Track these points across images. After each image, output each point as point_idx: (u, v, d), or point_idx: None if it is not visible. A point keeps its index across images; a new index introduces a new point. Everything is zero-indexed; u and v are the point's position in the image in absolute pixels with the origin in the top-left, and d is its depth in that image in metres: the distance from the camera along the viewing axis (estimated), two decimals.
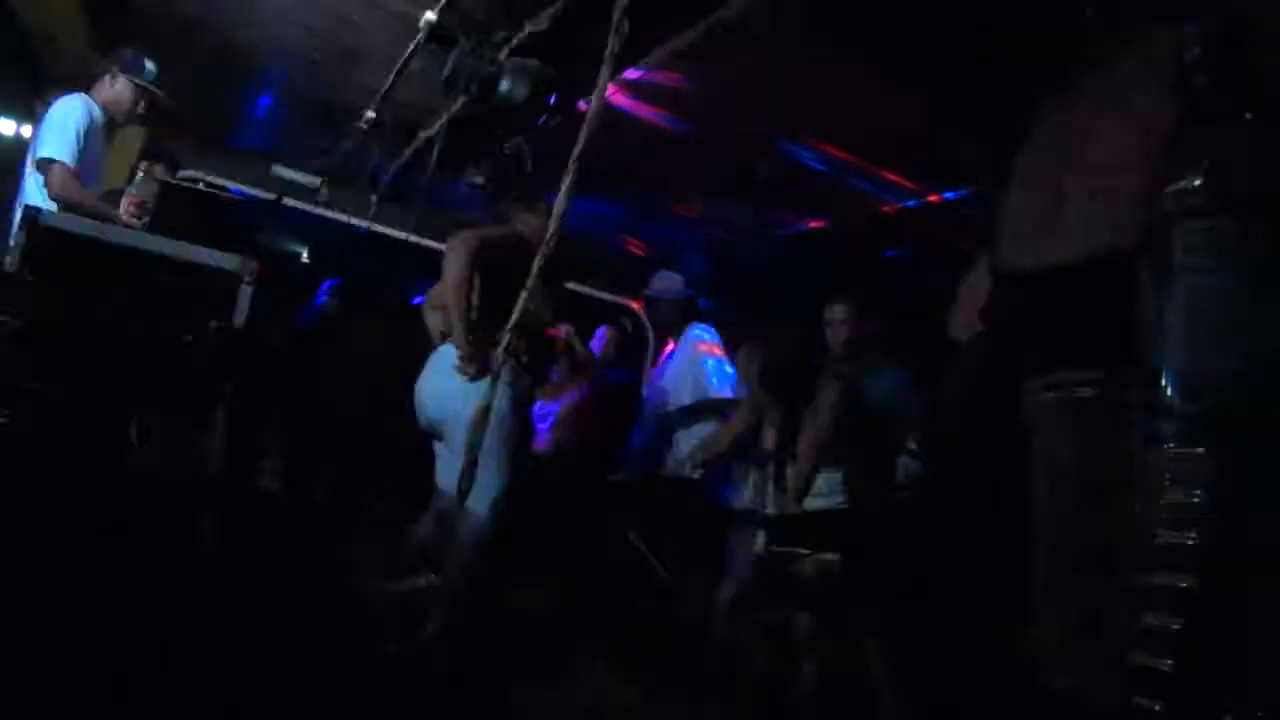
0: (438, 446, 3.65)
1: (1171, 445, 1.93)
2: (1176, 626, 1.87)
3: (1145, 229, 2.03)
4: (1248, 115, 1.95)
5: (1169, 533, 1.93)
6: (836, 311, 4.01)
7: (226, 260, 2.99)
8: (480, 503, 3.31)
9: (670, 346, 5.15)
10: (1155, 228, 1.99)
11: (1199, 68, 2.00)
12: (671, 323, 5.13)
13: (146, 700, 2.21)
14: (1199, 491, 1.88)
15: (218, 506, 3.02)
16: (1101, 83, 2.38)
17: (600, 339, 5.78)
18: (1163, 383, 1.94)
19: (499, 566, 3.59)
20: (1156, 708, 1.88)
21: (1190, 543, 1.89)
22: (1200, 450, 1.89)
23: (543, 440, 5.07)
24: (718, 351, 4.91)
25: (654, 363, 5.73)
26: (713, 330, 4.98)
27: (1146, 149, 2.09)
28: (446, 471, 3.57)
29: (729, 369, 4.80)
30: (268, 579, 3.27)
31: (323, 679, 2.78)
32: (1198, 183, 1.93)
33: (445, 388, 3.46)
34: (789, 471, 3.65)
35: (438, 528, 3.56)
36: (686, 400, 4.81)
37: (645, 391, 5.52)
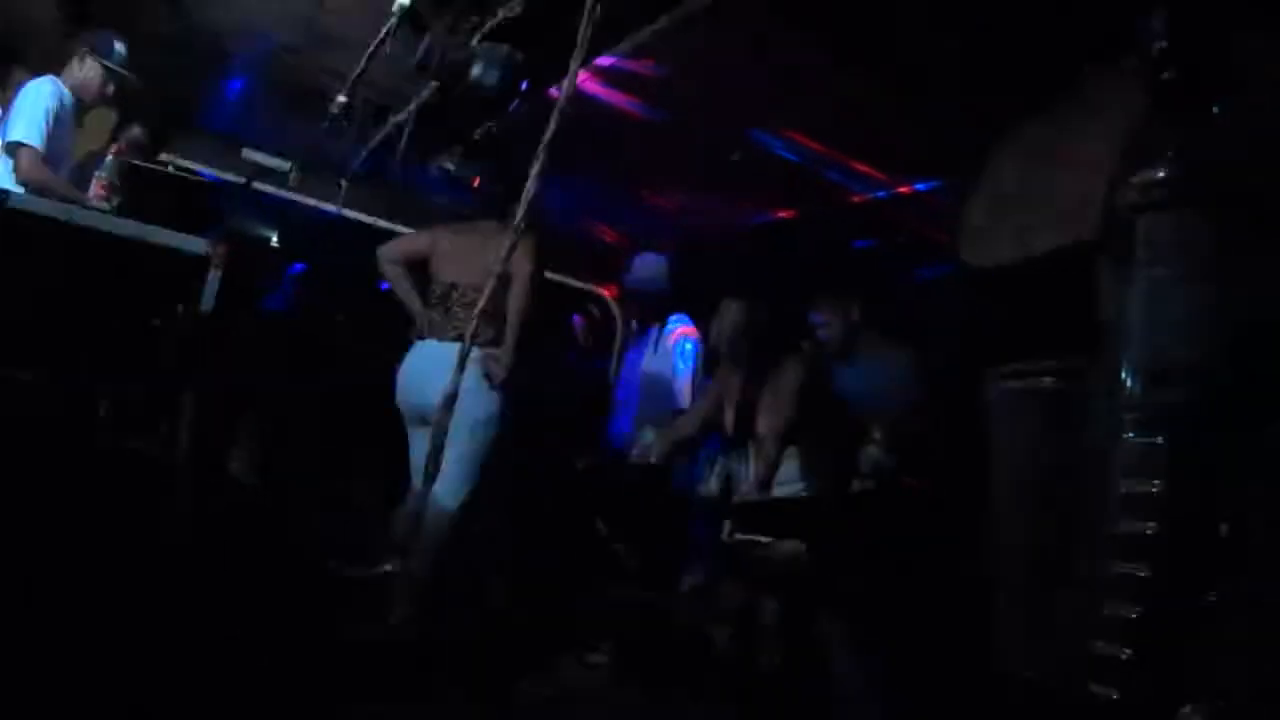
0: (415, 434, 3.65)
1: (1132, 435, 1.97)
2: (1136, 616, 1.90)
3: (1108, 222, 2.06)
4: (1213, 108, 1.98)
5: (1128, 522, 1.96)
6: (821, 315, 4.01)
7: (193, 244, 2.98)
8: (448, 491, 3.32)
9: (650, 334, 5.12)
10: (1118, 220, 2.02)
11: (1165, 60, 2.02)
12: (652, 312, 5.10)
13: (110, 687, 2.20)
14: (1158, 481, 1.91)
15: (186, 491, 3.00)
16: (1071, 83, 2.41)
17: (575, 327, 5.77)
18: (1123, 374, 1.98)
19: (466, 553, 3.59)
20: (1116, 698, 1.91)
21: (1149, 533, 1.93)
22: (1160, 440, 1.93)
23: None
24: (691, 333, 4.92)
25: (629, 350, 5.71)
26: (689, 320, 4.98)
27: (1110, 143, 2.12)
28: (420, 458, 3.59)
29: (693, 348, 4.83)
30: (235, 564, 3.26)
31: (288, 663, 2.78)
32: (1160, 175, 1.96)
33: (428, 374, 3.48)
34: (751, 455, 3.67)
35: (411, 514, 3.57)
36: (662, 389, 4.81)
37: (619, 379, 5.51)
